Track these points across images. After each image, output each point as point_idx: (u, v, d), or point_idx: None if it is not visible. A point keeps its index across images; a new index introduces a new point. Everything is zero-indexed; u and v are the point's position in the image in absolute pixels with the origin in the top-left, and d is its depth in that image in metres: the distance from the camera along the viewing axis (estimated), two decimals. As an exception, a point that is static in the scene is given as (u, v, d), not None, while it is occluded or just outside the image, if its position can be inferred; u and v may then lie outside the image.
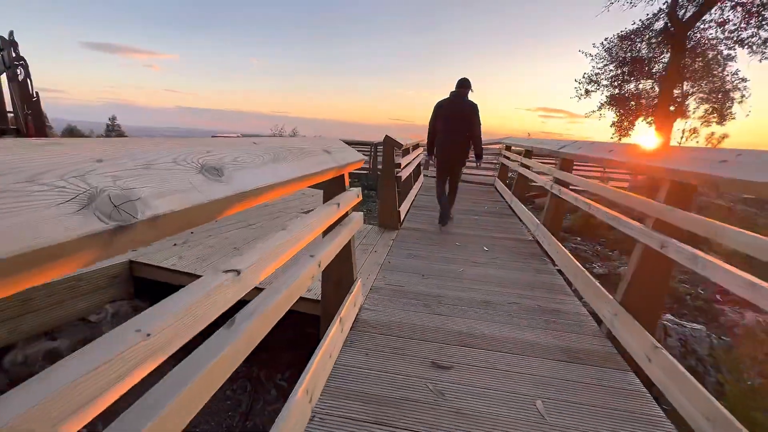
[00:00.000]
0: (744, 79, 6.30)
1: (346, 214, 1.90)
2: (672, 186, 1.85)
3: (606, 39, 7.32)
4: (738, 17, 5.91)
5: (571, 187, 3.46)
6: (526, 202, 5.83)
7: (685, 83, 6.45)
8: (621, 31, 6.97)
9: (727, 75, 6.29)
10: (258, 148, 1.13)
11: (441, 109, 4.12)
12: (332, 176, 1.64)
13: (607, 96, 7.49)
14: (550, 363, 1.83)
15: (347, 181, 1.95)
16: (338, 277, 2.03)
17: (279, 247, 1.07)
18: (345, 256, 1.98)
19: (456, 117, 4.04)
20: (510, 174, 7.48)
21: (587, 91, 7.66)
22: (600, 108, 7.67)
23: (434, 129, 4.18)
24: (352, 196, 1.94)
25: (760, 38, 5.92)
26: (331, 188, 1.80)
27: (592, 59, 7.52)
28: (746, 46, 6.06)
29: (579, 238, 5.61)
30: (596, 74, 7.54)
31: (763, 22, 5.70)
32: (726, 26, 6.06)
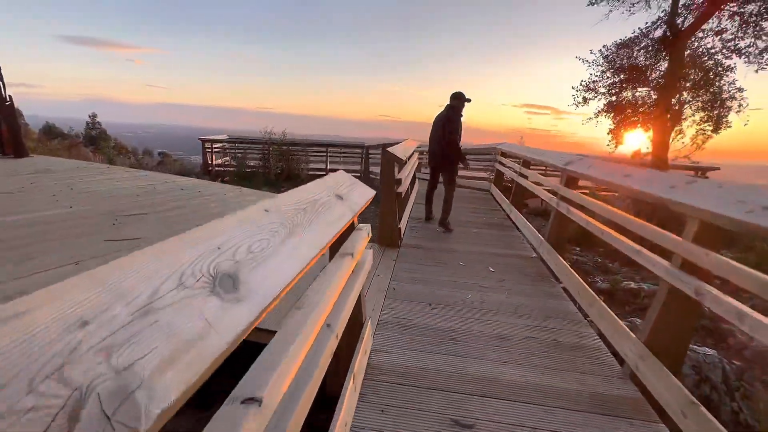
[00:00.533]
0: (740, 89, 6.36)
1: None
2: (702, 226, 1.75)
3: (604, 46, 7.35)
4: (735, 26, 5.96)
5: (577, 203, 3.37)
6: (523, 209, 5.76)
7: (685, 92, 6.52)
8: (619, 39, 7.01)
9: (724, 84, 6.35)
10: (271, 220, 0.96)
11: (434, 122, 4.80)
12: (348, 226, 1.49)
13: (604, 103, 7.61)
14: (579, 416, 1.72)
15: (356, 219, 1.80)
16: (349, 322, 1.88)
17: (300, 341, 0.91)
18: (357, 303, 1.83)
19: (437, 127, 4.65)
20: (506, 180, 7.40)
21: (585, 99, 7.70)
22: (597, 115, 7.67)
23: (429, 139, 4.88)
24: (364, 235, 1.78)
25: (756, 48, 5.97)
26: (342, 236, 1.64)
27: (590, 66, 7.53)
28: (743, 56, 6.11)
29: (578, 248, 5.56)
30: (594, 82, 7.60)
31: (761, 32, 5.75)
32: (723, 35, 6.11)
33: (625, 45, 6.85)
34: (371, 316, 2.49)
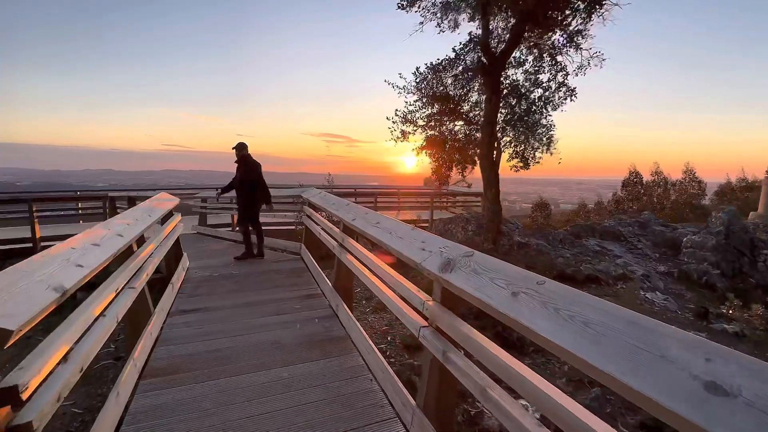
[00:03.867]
0: (549, 127, 6.29)
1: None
2: None
3: (417, 69, 6.18)
4: (532, 59, 5.97)
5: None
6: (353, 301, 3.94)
7: (507, 127, 6.19)
8: (432, 62, 6.12)
9: (541, 120, 6.28)
10: None
11: (237, 169, 5.25)
12: None
13: (424, 138, 6.42)
14: None
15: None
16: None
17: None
18: None
19: (248, 172, 5.23)
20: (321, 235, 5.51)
21: (404, 134, 6.35)
22: (418, 153, 6.61)
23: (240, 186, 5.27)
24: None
25: (556, 82, 5.85)
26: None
27: (401, 93, 6.36)
28: (542, 89, 6.17)
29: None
30: (411, 112, 6.32)
31: (558, 69, 5.86)
32: (524, 67, 6.07)
33: (438, 69, 5.97)
34: None
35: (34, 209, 7.58)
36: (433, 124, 6.23)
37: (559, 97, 5.87)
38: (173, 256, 4.78)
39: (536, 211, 14.48)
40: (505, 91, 5.87)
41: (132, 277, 2.57)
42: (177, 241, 4.83)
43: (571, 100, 5.85)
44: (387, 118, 6.34)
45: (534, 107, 6.06)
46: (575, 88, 5.80)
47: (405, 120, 6.36)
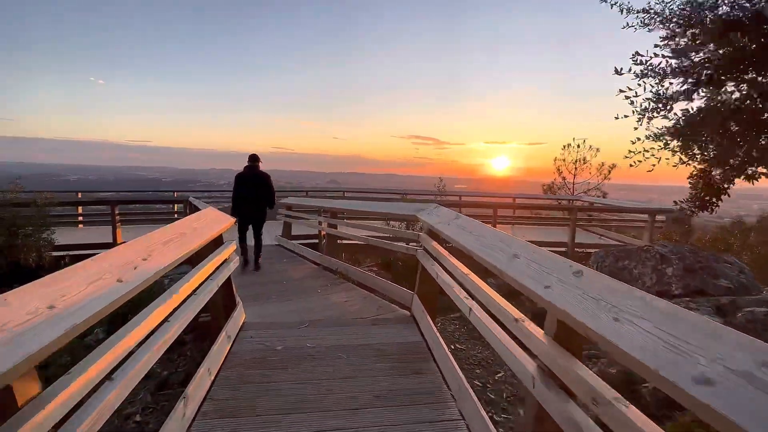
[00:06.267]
0: None
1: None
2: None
3: None
4: None
5: None
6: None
7: None
8: None
9: None
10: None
11: (242, 179, 5.47)
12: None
13: (679, 115, 3.13)
14: None
15: None
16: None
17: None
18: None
19: (254, 184, 5.48)
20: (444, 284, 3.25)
21: (661, 102, 3.07)
22: (666, 143, 3.33)
23: (238, 195, 5.46)
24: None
25: None
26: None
27: (639, 25, 3.17)
28: None
29: None
30: (666, 67, 3.01)
31: None
32: None
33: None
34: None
35: (116, 212, 6.91)
36: (703, 79, 2.95)
37: None
38: (221, 308, 3.05)
39: (670, 226, 10.40)
40: None
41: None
42: (228, 283, 3.09)
43: None
44: (616, 71, 3.17)
45: None
46: None
47: (658, 73, 3.03)
